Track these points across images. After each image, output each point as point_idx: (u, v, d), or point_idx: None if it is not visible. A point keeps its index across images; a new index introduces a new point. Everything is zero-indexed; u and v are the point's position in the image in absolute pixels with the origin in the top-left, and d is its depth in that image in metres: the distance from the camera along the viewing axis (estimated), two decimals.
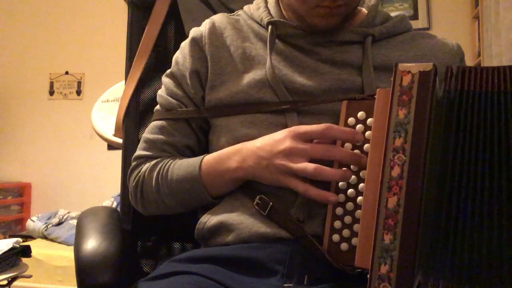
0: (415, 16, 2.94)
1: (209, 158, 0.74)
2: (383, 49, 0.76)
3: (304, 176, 0.64)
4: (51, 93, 3.45)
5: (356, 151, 0.65)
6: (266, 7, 0.82)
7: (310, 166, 0.63)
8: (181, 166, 0.75)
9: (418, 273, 0.54)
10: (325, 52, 0.75)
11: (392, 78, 0.58)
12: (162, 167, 0.77)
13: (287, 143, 0.65)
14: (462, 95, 0.57)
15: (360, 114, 0.66)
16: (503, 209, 0.54)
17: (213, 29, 0.80)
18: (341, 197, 0.64)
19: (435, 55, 0.77)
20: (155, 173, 0.77)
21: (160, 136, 0.80)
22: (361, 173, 0.64)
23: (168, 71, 0.84)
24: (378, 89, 0.61)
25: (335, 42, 0.76)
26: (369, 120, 0.65)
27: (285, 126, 0.70)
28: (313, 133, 0.65)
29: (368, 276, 0.55)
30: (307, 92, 0.72)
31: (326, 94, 0.72)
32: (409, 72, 0.57)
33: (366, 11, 0.81)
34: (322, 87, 0.72)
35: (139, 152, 0.83)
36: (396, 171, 0.55)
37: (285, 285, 0.63)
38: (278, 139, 0.67)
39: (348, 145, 0.66)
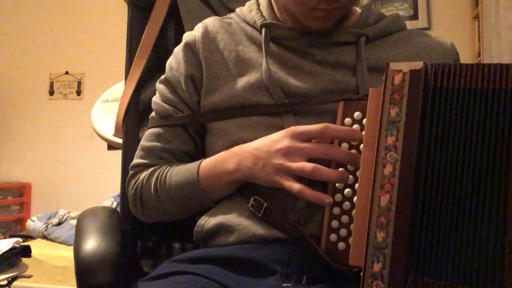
0: (415, 16, 2.94)
1: (206, 162, 0.74)
2: (377, 49, 0.76)
3: (302, 175, 0.64)
4: (51, 93, 3.45)
5: (353, 150, 0.65)
6: (259, 9, 0.81)
7: (308, 165, 0.63)
8: (179, 172, 0.75)
9: (410, 271, 0.54)
10: (319, 53, 0.75)
11: (384, 77, 0.58)
12: (160, 173, 0.77)
13: (285, 142, 0.65)
14: (435, 93, 0.56)
15: (357, 114, 0.66)
16: (485, 209, 0.53)
17: (206, 33, 0.80)
18: (338, 196, 0.64)
19: (429, 54, 0.77)
20: (153, 180, 0.77)
21: (157, 144, 0.80)
22: (357, 173, 0.64)
23: (162, 77, 0.84)
24: (370, 89, 0.62)
25: (329, 43, 0.76)
26: (365, 120, 0.65)
27: (281, 128, 0.70)
28: (312, 132, 0.65)
29: (361, 274, 0.55)
30: (302, 94, 0.72)
31: (322, 96, 0.72)
32: (400, 71, 0.58)
33: (360, 11, 0.81)
34: (317, 89, 0.72)
35: (136, 160, 0.82)
36: (388, 169, 0.56)
37: (283, 284, 0.63)
38: (275, 139, 0.67)
39: (345, 145, 0.66)
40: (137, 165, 0.82)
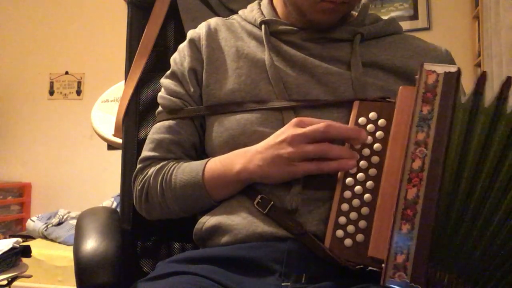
0: (415, 16, 2.94)
1: (212, 163, 0.74)
2: (372, 48, 0.78)
3: (313, 156, 0.65)
4: (51, 93, 3.45)
5: (366, 149, 0.65)
6: (259, 8, 0.84)
7: (317, 146, 0.64)
8: (185, 170, 0.75)
9: (431, 264, 0.55)
10: (315, 48, 0.77)
11: (417, 76, 0.61)
12: (167, 171, 0.77)
13: (289, 132, 0.66)
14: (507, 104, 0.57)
15: (372, 115, 0.67)
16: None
17: (209, 31, 0.83)
18: (348, 193, 0.65)
19: (423, 58, 0.78)
20: (160, 177, 0.77)
21: (167, 136, 0.80)
22: (369, 171, 0.65)
23: (167, 72, 0.85)
24: (400, 87, 0.64)
25: (325, 39, 0.78)
26: (381, 121, 0.66)
27: (281, 122, 0.71)
28: (314, 133, 0.65)
29: (383, 265, 0.56)
30: (299, 85, 0.74)
31: (316, 87, 0.74)
32: (434, 71, 0.60)
33: (357, 14, 0.83)
34: (313, 81, 0.74)
35: (145, 153, 0.82)
36: (417, 164, 0.57)
37: (283, 284, 0.63)
38: (279, 133, 0.68)
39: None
40: (146, 159, 0.82)
